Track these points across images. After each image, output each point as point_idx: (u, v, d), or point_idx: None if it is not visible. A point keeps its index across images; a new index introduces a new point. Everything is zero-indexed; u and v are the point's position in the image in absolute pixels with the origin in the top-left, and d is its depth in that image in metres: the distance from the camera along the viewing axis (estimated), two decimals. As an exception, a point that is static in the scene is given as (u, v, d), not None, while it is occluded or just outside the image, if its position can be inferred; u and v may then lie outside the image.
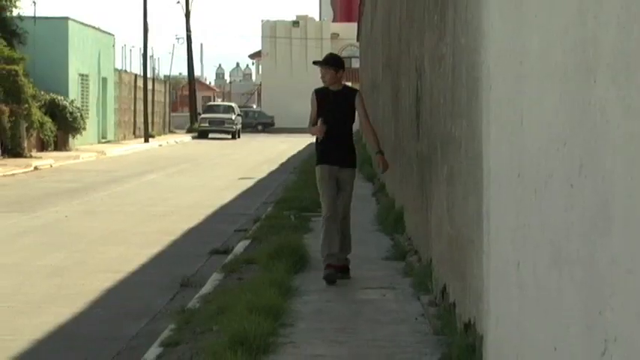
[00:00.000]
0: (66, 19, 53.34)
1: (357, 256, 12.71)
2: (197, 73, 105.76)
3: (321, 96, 12.73)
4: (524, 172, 5.36)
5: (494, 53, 6.46)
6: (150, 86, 71.43)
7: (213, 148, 58.79)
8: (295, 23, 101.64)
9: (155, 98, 75.58)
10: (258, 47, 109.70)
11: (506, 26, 6.06)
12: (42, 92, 46.24)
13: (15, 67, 42.75)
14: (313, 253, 13.45)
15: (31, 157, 41.43)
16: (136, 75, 71.49)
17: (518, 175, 5.53)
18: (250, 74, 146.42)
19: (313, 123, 12.76)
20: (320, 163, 12.61)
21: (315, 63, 13.41)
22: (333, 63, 12.93)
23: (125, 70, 70.42)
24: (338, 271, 12.04)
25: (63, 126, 47.73)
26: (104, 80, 60.74)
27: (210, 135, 74.30)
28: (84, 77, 55.64)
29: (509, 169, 5.83)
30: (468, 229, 7.83)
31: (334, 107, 12.48)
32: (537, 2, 5.08)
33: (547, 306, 4.79)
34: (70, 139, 49.01)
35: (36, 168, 37.25)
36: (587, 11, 4.02)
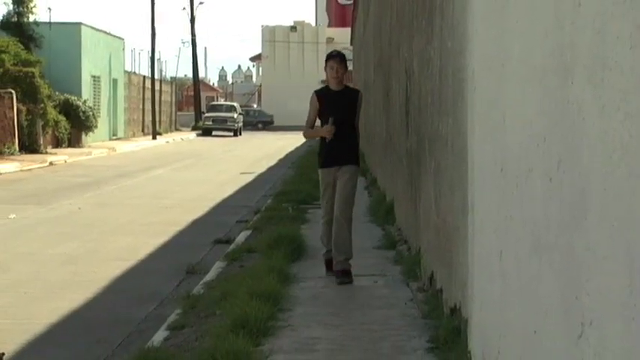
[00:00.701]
0: (79, 24, 53.32)
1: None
2: (201, 74, 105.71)
3: (323, 97, 11.69)
4: (506, 166, 5.36)
5: (479, 56, 6.45)
6: (157, 87, 71.42)
7: (217, 144, 58.75)
8: (293, 28, 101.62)
9: (162, 98, 75.56)
10: (258, 50, 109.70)
11: (489, 31, 6.06)
12: (57, 93, 46.23)
13: (32, 69, 42.76)
14: (310, 242, 13.45)
15: (46, 153, 41.46)
16: (144, 76, 71.48)
17: (501, 170, 5.53)
18: (251, 76, 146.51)
19: (310, 125, 11.96)
20: (321, 166, 11.74)
21: (330, 57, 11.87)
22: (345, 59, 11.92)
23: (134, 72, 70.41)
24: (343, 275, 11.00)
25: (76, 124, 47.72)
26: (114, 81, 60.71)
27: (214, 132, 74.24)
28: (96, 79, 55.62)
29: (493, 163, 5.83)
30: (454, 219, 7.83)
31: (338, 107, 11.46)
32: (518, 9, 5.08)
33: (527, 291, 4.79)
34: (83, 136, 49.01)
35: (51, 163, 37.22)
36: (564, 18, 4.02)
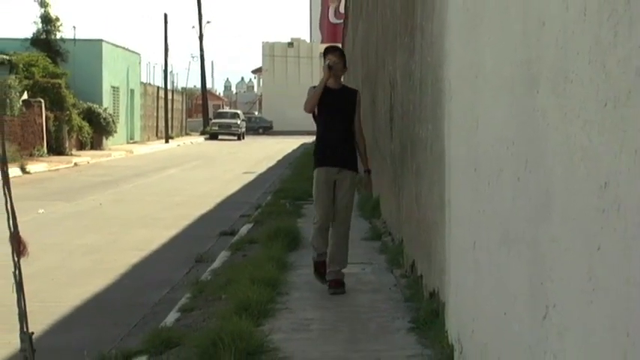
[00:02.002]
0: (100, 41, 53.34)
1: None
2: (209, 85, 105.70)
3: (323, 94, 9.90)
4: (479, 167, 5.36)
5: (455, 69, 6.45)
6: (170, 96, 71.51)
7: (222, 147, 58.72)
8: (290, 44, 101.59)
9: (174, 106, 75.57)
10: (259, 64, 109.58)
11: (464, 47, 6.05)
12: (81, 101, 46.30)
13: (58, 80, 42.84)
14: (305, 234, 13.42)
15: (71, 155, 41.45)
16: (158, 87, 71.49)
17: (475, 170, 5.52)
18: (253, 86, 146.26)
19: (310, 108, 9.99)
20: (317, 165, 9.98)
21: (328, 51, 10.28)
22: (344, 55, 10.45)
23: (149, 83, 70.32)
24: (337, 286, 9.67)
25: (98, 129, 47.77)
26: (132, 91, 60.72)
27: (220, 137, 74.16)
28: (115, 89, 55.62)
29: (467, 164, 5.82)
30: (432, 214, 7.83)
31: (335, 106, 9.87)
32: (490, 27, 5.07)
33: (498, 278, 4.78)
34: (104, 140, 49.00)
35: (76, 164, 37.22)
36: (531, 35, 4.01)
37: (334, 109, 9.91)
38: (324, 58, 10.17)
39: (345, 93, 10.18)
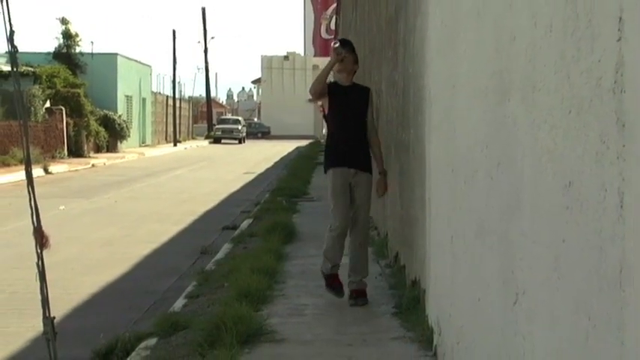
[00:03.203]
0: (115, 54, 53.40)
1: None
2: (213, 94, 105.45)
3: (332, 91, 8.57)
4: (456, 167, 5.35)
5: (434, 79, 6.45)
6: (177, 104, 71.53)
7: (225, 150, 58.73)
8: (286, 57, 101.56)
9: (181, 113, 75.57)
10: (258, 75, 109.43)
11: (443, 59, 6.05)
12: (97, 109, 46.36)
13: (77, 90, 42.93)
14: (299, 229, 13.44)
15: (89, 157, 41.46)
16: (167, 96, 71.45)
17: (452, 170, 5.52)
18: (252, 95, 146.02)
19: (315, 91, 8.64)
20: (333, 165, 8.45)
21: (337, 44, 8.76)
22: (355, 51, 8.91)
23: (159, 93, 70.27)
24: (358, 296, 8.35)
25: (113, 134, 47.78)
26: (144, 100, 60.73)
27: (223, 141, 74.12)
28: (128, 98, 55.66)
29: (446, 165, 5.82)
30: (414, 211, 7.83)
31: (347, 104, 8.50)
32: (466, 41, 5.07)
33: (473, 267, 4.78)
34: (118, 143, 48.97)
35: (93, 165, 37.23)
36: (502, 49, 4.01)
37: (346, 106, 8.51)
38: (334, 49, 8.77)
39: (357, 90, 8.75)
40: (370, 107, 8.65)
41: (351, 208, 8.44)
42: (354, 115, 8.52)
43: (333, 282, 8.53)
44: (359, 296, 8.34)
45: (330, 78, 8.79)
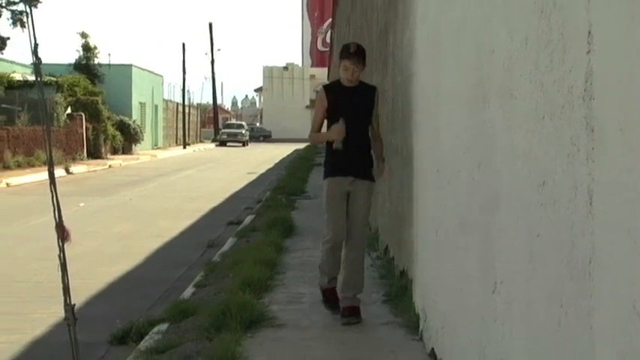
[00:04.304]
0: (130, 65, 53.47)
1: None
2: (219, 101, 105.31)
3: (333, 94, 7.27)
4: (441, 168, 5.36)
5: (420, 88, 6.45)
6: (187, 111, 71.55)
7: (230, 152, 58.71)
8: (285, 68, 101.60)
9: (190, 119, 75.59)
10: (260, 84, 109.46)
11: (428, 69, 6.05)
12: (114, 115, 46.34)
13: (96, 98, 42.92)
14: (298, 224, 13.43)
15: (106, 158, 41.46)
16: (177, 103, 71.46)
17: (437, 171, 5.52)
18: (255, 102, 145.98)
19: (317, 127, 7.42)
20: (329, 175, 7.27)
21: (344, 56, 7.17)
22: (364, 58, 7.27)
23: (170, 100, 70.26)
24: (351, 314, 7.07)
25: (128, 137, 47.78)
26: (156, 107, 60.77)
27: (228, 143, 74.11)
28: (142, 105, 55.69)
29: (431, 166, 5.82)
30: (402, 207, 7.83)
31: (351, 108, 7.12)
32: (449, 53, 5.07)
33: (455, 259, 4.78)
34: (133, 146, 48.97)
35: (110, 166, 37.20)
36: (482, 59, 4.01)
37: (350, 110, 7.14)
38: (340, 60, 7.27)
39: (362, 91, 7.33)
40: (376, 108, 7.35)
41: (348, 218, 7.21)
42: (359, 120, 7.19)
43: (329, 296, 7.51)
44: (352, 314, 7.10)
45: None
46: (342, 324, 7.01)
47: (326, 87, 7.54)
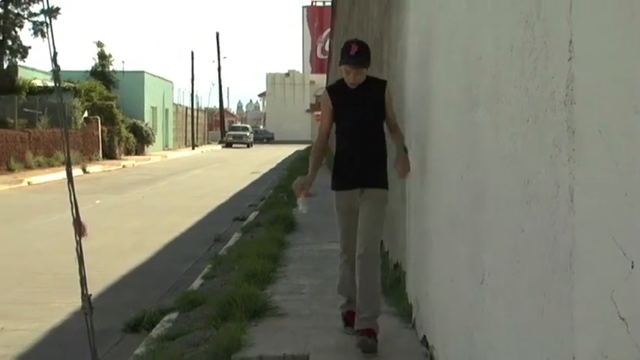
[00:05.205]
0: (142, 72, 53.51)
1: (325, 222, 12.39)
2: (225, 105, 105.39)
3: (338, 94, 6.05)
4: (432, 168, 5.35)
5: (413, 92, 6.44)
6: (195, 114, 71.60)
7: (235, 153, 58.72)
8: (287, 74, 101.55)
9: (198, 122, 75.71)
10: (263, 89, 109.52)
11: (420, 76, 6.05)
12: (127, 118, 46.35)
13: (111, 102, 43.02)
14: (298, 220, 13.42)
15: (120, 159, 41.51)
16: (186, 107, 71.53)
17: (428, 170, 5.52)
18: (259, 106, 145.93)
19: (324, 135, 6.09)
20: (337, 188, 6.17)
21: (344, 61, 5.86)
22: (367, 58, 6.00)
23: (180, 104, 70.30)
24: (368, 337, 5.72)
25: (140, 139, 47.81)
26: (166, 110, 60.78)
27: (234, 145, 74.15)
28: (154, 109, 55.70)
29: (422, 166, 5.82)
30: (396, 205, 7.82)
31: (358, 110, 5.95)
32: (440, 60, 5.07)
33: (446, 252, 4.78)
34: (145, 147, 48.98)
35: (124, 166, 37.23)
36: (470, 66, 4.01)
37: (357, 113, 5.99)
38: (342, 57, 5.98)
39: (370, 88, 6.07)
40: (390, 104, 6.14)
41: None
42: (366, 122, 6.02)
43: (349, 319, 6.26)
44: (368, 334, 5.78)
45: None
46: (357, 346, 5.75)
47: (329, 88, 6.26)
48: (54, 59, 3.83)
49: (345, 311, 6.41)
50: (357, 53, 5.90)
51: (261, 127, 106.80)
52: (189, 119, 70.08)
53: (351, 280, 6.14)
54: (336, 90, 6.15)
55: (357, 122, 6.00)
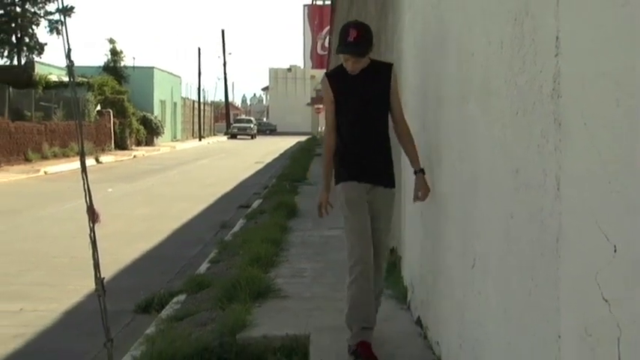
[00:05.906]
0: (152, 67, 53.35)
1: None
2: (230, 99, 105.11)
3: (338, 81, 5.08)
4: (426, 158, 5.35)
5: (410, 90, 6.44)
6: (202, 107, 71.41)
7: (240, 144, 58.67)
8: (289, 69, 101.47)
9: (205, 114, 75.41)
10: (266, 83, 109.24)
11: (416, 73, 6.05)
12: (138, 111, 46.24)
13: (122, 96, 42.91)
14: (300, 207, 13.42)
15: (131, 150, 41.44)
16: (193, 101, 71.31)
17: (423, 160, 5.52)
18: (262, 100, 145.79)
19: (333, 126, 5.07)
20: (343, 179, 5.05)
21: (342, 50, 4.89)
22: (368, 45, 5.01)
23: (187, 98, 70.15)
24: (364, 354, 4.79)
25: (150, 131, 47.69)
26: (175, 104, 60.64)
27: (238, 136, 74.07)
28: (163, 102, 55.56)
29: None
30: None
31: (359, 98, 5.01)
32: (433, 57, 5.06)
33: (439, 238, 4.79)
34: (155, 139, 48.86)
35: (134, 156, 37.18)
36: (462, 63, 4.01)
37: (359, 101, 5.03)
38: (339, 44, 4.97)
39: (374, 72, 5.10)
40: (395, 91, 5.19)
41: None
42: (371, 111, 5.08)
43: (361, 352, 4.86)
44: (363, 352, 4.87)
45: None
46: (350, 353, 4.93)
47: (329, 74, 5.26)
48: (68, 55, 3.82)
49: (361, 342, 4.89)
50: (355, 39, 4.90)
51: (265, 119, 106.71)
52: (196, 112, 69.95)
53: (368, 297, 4.91)
54: (335, 76, 5.15)
55: (358, 112, 5.05)
